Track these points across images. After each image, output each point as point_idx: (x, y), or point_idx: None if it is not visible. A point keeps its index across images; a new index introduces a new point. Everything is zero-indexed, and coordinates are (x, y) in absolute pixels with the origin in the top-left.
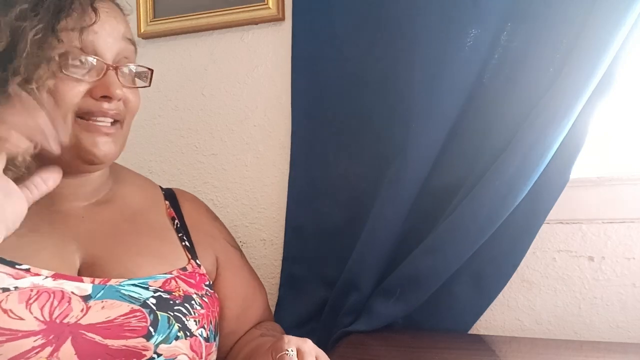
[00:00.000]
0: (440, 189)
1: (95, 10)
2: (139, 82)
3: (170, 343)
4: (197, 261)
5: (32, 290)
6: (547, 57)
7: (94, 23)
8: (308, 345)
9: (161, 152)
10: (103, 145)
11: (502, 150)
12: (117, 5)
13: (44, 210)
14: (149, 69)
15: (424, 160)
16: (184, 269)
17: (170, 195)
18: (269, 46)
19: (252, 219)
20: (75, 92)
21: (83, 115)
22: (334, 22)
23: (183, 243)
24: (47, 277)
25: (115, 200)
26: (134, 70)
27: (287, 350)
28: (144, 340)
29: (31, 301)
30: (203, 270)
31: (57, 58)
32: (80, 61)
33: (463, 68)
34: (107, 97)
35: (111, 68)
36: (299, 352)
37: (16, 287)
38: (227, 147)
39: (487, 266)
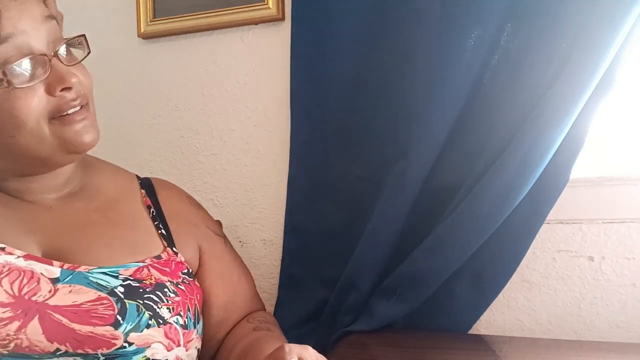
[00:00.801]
0: (440, 189)
1: (4, 8)
2: (77, 53)
3: (141, 331)
4: (174, 249)
5: (4, 267)
6: (548, 58)
7: (9, 25)
8: (310, 353)
9: (161, 152)
10: (86, 133)
11: (502, 150)
12: None
13: (12, 201)
14: (80, 35)
15: (424, 160)
16: (159, 257)
17: (147, 184)
18: (269, 46)
19: (252, 219)
20: (35, 101)
21: (54, 115)
22: (334, 22)
23: (159, 231)
24: (19, 256)
25: (86, 190)
26: (69, 45)
27: None
28: (112, 328)
29: (2, 275)
30: (181, 258)
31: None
32: (19, 67)
33: (464, 68)
34: (66, 88)
35: (52, 57)
36: None
37: None
38: (227, 147)
39: (487, 266)
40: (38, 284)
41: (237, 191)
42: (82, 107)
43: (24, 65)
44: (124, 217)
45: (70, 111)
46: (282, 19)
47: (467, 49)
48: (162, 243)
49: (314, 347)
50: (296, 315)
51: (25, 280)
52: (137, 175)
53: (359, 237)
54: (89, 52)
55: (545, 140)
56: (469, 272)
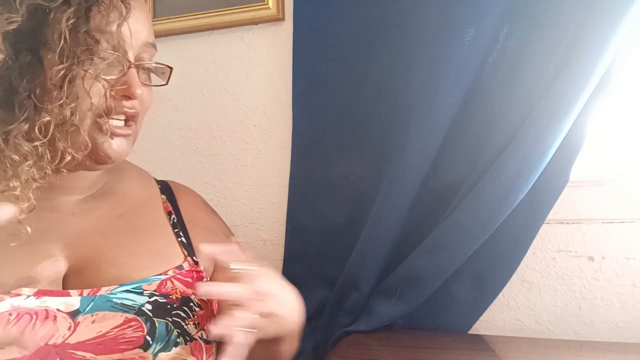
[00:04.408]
0: (440, 188)
1: (125, 3)
2: (155, 79)
3: (169, 350)
4: (194, 258)
5: (10, 314)
6: (547, 57)
7: (124, 19)
8: (263, 271)
9: (161, 152)
10: (118, 147)
11: (502, 150)
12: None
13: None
14: (167, 66)
15: (423, 160)
16: (180, 267)
17: (166, 188)
18: (269, 46)
19: (252, 219)
20: (96, 90)
21: (100, 115)
22: (334, 22)
23: (179, 239)
24: (29, 296)
25: (110, 194)
26: (152, 67)
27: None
28: (141, 350)
29: (9, 326)
30: (201, 267)
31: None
32: (102, 57)
33: (462, 67)
34: (126, 97)
35: (133, 66)
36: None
37: None
38: (227, 147)
39: (487, 266)
40: (55, 323)
41: (237, 191)
42: (127, 121)
43: (106, 58)
44: (147, 223)
45: (114, 118)
46: (282, 19)
47: (465, 47)
48: (183, 252)
49: (314, 347)
50: None
51: (38, 324)
52: (154, 178)
53: (359, 237)
54: (164, 84)
55: (545, 140)
56: (469, 272)
